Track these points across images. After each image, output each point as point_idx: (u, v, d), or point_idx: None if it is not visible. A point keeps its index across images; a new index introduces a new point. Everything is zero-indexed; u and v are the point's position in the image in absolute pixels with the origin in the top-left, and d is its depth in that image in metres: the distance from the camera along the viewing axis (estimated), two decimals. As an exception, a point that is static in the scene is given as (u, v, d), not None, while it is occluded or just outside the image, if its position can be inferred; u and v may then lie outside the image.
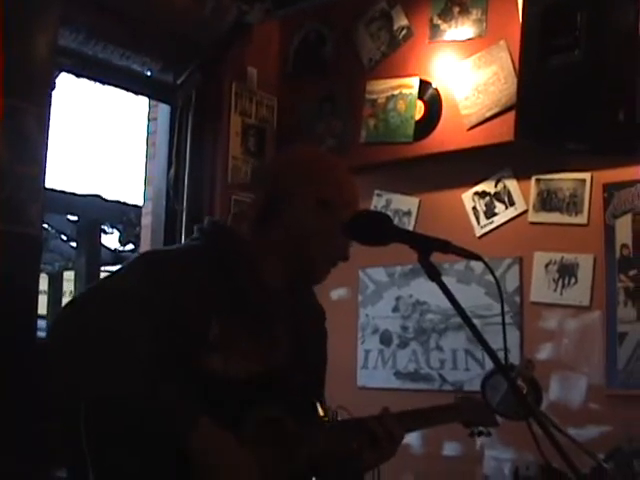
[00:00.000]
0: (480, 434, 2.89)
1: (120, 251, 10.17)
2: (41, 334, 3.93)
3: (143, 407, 1.98)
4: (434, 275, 2.03)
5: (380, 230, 2.18)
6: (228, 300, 2.22)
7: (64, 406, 2.17)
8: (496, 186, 4.61)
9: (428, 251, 2.06)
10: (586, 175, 4.34)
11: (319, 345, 2.55)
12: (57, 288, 9.91)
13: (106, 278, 2.28)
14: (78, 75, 4.55)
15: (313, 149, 2.88)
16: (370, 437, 2.38)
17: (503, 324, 2.16)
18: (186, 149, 4.92)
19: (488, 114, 4.40)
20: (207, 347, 2.13)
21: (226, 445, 2.02)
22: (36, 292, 3.70)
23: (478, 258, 2.11)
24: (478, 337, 1.97)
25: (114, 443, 2.03)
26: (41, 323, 3.89)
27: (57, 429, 3.34)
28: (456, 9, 4.63)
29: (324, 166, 2.43)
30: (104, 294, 2.11)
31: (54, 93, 3.85)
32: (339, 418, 2.55)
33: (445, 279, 2.02)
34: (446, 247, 2.09)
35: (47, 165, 3.64)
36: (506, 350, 2.15)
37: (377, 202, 5.01)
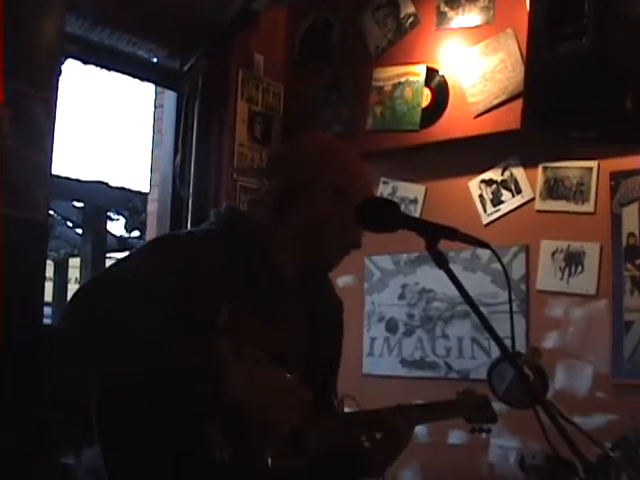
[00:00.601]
0: (481, 430, 2.90)
1: (126, 238, 10.18)
2: (46, 321, 3.94)
3: (162, 377, 1.99)
4: (442, 263, 2.03)
5: (388, 217, 2.18)
6: (241, 286, 2.22)
7: (73, 394, 2.17)
8: (503, 174, 4.60)
9: (436, 238, 2.06)
10: (593, 163, 4.33)
11: (333, 336, 2.54)
12: (63, 275, 9.93)
13: (112, 265, 2.28)
14: (84, 62, 4.54)
15: (326, 137, 2.89)
16: (389, 429, 2.39)
17: (510, 312, 2.15)
18: (192, 136, 4.91)
19: (495, 102, 4.39)
20: (215, 332, 2.12)
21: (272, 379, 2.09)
22: (43, 277, 3.71)
23: (486, 246, 2.11)
24: (485, 324, 1.97)
25: (131, 427, 2.04)
26: (46, 310, 3.89)
27: (63, 417, 3.36)
28: (463, -4, 4.62)
29: (340, 155, 2.45)
30: (108, 282, 2.11)
31: (61, 79, 3.85)
32: (345, 406, 2.54)
33: (451, 267, 2.02)
34: (453, 234, 2.09)
35: (54, 151, 3.64)
36: (513, 338, 2.15)
37: (383, 190, 4.99)
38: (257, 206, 2.44)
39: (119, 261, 2.27)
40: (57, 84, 3.73)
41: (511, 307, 2.15)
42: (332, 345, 2.52)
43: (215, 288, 2.16)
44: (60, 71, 3.89)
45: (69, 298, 2.13)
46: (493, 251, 2.11)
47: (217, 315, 2.14)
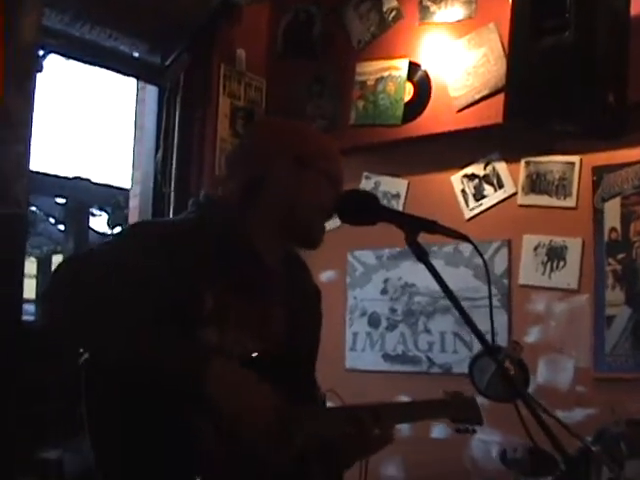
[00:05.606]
0: (466, 431, 2.89)
1: (108, 234, 10.12)
2: (29, 318, 3.92)
3: (150, 362, 1.98)
4: (421, 255, 2.02)
5: (367, 210, 2.18)
6: (223, 274, 2.20)
7: (56, 386, 2.17)
8: (485, 168, 4.60)
9: (415, 231, 2.05)
10: (575, 158, 4.33)
11: (313, 326, 2.54)
12: (46, 272, 9.87)
13: (100, 246, 2.25)
14: (66, 56, 4.51)
15: (273, 118, 2.88)
16: (360, 427, 2.37)
17: (490, 306, 2.15)
18: (174, 131, 4.89)
19: (477, 96, 4.38)
20: (201, 320, 2.11)
21: (245, 382, 2.03)
22: (22, 272, 3.68)
23: (465, 238, 2.10)
24: (465, 318, 1.96)
25: (121, 416, 2.03)
26: (29, 307, 3.87)
27: (44, 411, 3.34)
28: (446, -10, 4.61)
29: (288, 127, 2.46)
30: (96, 262, 2.09)
31: (42, 75, 3.82)
32: (328, 401, 2.53)
33: (433, 261, 2.02)
34: (433, 227, 2.09)
35: (32, 144, 3.62)
36: (493, 332, 2.15)
37: (366, 184, 4.98)
38: (231, 199, 2.42)
39: (105, 243, 2.27)
40: (35, 78, 3.70)
41: (490, 301, 2.15)
42: (311, 334, 2.51)
43: (200, 275, 2.14)
44: (41, 67, 3.86)
45: (55, 268, 2.13)
46: (472, 243, 2.11)
47: (202, 301, 2.13)
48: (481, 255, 2.19)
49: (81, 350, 2.06)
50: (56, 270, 2.10)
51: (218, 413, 1.98)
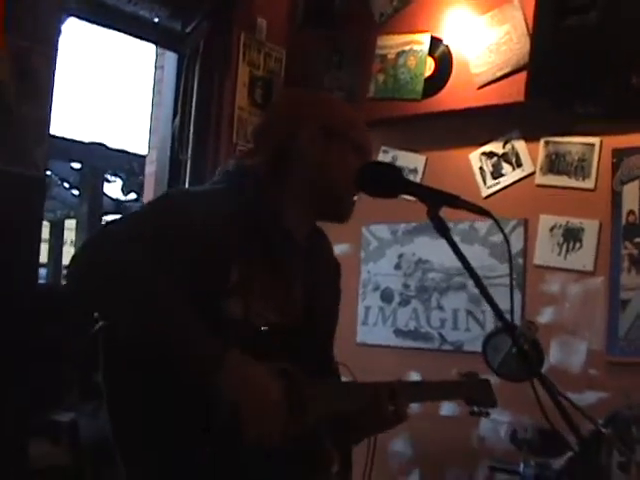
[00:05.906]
0: (480, 414, 2.89)
1: (122, 200, 10.10)
2: (40, 281, 3.92)
3: (168, 344, 1.97)
4: (443, 230, 2.01)
5: (390, 182, 2.16)
6: (251, 247, 2.19)
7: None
8: (504, 147, 4.57)
9: (438, 205, 2.03)
10: (595, 139, 4.30)
11: (332, 299, 2.53)
12: (58, 236, 9.88)
13: (131, 215, 2.25)
14: (86, 20, 4.49)
15: (297, 89, 2.86)
16: (375, 402, 2.36)
17: (510, 282, 2.13)
18: (192, 98, 4.86)
19: (499, 74, 4.35)
20: (226, 292, 2.10)
21: (257, 378, 2.00)
22: (39, 234, 3.69)
23: (487, 214, 2.09)
24: (485, 295, 1.94)
25: (136, 386, 2.03)
26: (41, 271, 3.87)
27: (58, 373, 3.35)
28: (470, -35, 4.57)
29: (313, 98, 2.45)
30: (113, 238, 2.07)
31: (61, 39, 3.81)
32: (340, 375, 2.53)
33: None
34: (455, 201, 2.07)
35: (53, 108, 3.61)
36: (512, 309, 2.13)
37: (383, 158, 4.93)
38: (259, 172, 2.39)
39: (137, 212, 2.26)
40: (58, 41, 3.69)
41: (511, 278, 2.13)
42: (329, 307, 2.50)
43: (227, 247, 2.13)
44: (60, 30, 3.85)
45: (78, 249, 2.14)
46: (494, 219, 2.10)
47: (227, 271, 2.11)
48: (502, 231, 2.18)
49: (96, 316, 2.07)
50: (85, 244, 2.13)
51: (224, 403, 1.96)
